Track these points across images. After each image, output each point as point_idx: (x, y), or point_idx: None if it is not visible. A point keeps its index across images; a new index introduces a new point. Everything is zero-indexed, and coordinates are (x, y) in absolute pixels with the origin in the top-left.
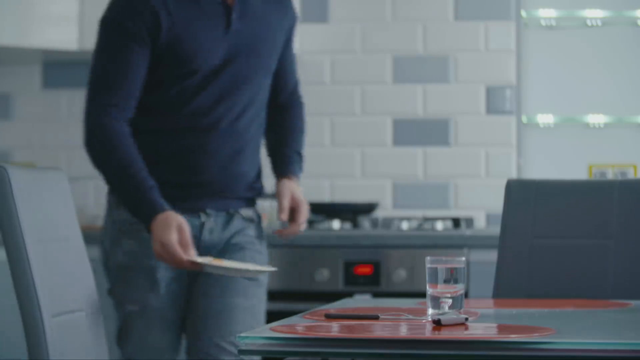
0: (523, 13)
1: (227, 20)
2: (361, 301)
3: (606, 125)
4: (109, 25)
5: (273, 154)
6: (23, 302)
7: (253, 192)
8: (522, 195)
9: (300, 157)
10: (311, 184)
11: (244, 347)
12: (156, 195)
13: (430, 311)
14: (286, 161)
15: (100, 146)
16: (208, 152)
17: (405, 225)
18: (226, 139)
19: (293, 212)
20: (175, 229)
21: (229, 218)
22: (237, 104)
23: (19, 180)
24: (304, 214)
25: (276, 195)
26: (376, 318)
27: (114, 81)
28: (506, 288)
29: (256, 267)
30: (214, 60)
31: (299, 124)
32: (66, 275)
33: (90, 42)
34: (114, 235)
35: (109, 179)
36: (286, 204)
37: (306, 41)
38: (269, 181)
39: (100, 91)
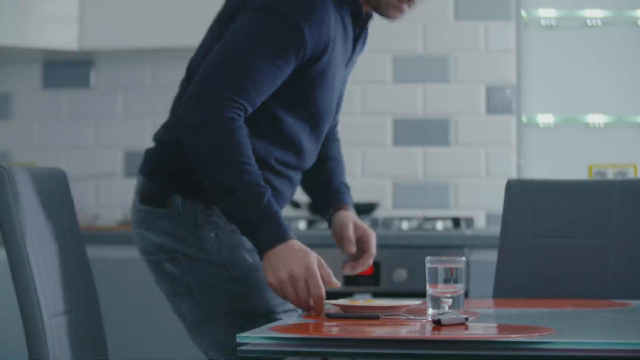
0: (523, 13)
1: (351, 52)
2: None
3: (606, 125)
4: (285, 20)
5: (318, 187)
6: (23, 302)
7: None
8: (522, 195)
9: (349, 189)
10: None
11: (244, 348)
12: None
13: (430, 311)
14: (338, 191)
15: (224, 144)
16: (292, 186)
17: (405, 225)
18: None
19: (361, 243)
20: (315, 257)
21: None
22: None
23: (19, 180)
24: (374, 242)
25: (335, 229)
26: (376, 318)
27: (258, 80)
28: (506, 288)
29: (397, 302)
30: (334, 101)
31: (341, 158)
32: (66, 275)
33: (90, 42)
34: (232, 242)
35: (223, 183)
36: (351, 234)
37: None
38: None
39: (239, 81)
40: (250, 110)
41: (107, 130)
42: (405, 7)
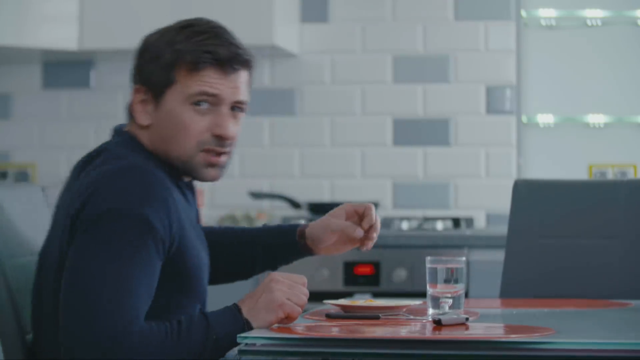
0: (523, 13)
1: (196, 216)
2: None
3: (606, 125)
4: (126, 218)
5: (251, 245)
6: (0, 320)
7: None
8: (529, 195)
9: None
10: (311, 184)
11: (244, 348)
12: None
13: (430, 311)
14: (273, 227)
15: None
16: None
17: (405, 225)
18: None
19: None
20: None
21: None
22: None
23: None
24: (374, 213)
25: (321, 234)
26: (376, 318)
27: (142, 290)
28: (513, 287)
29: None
30: (205, 272)
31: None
32: None
33: (90, 42)
34: None
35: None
36: (342, 221)
37: (306, 41)
38: None
39: (126, 302)
40: (144, 312)
41: (106, 131)
42: (223, 160)
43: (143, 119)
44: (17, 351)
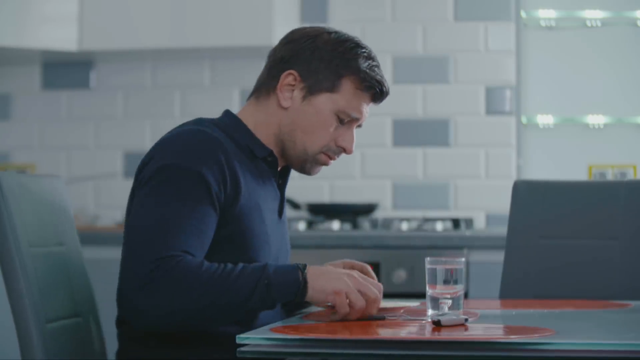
0: (523, 13)
1: (280, 206)
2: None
3: (606, 125)
4: (179, 169)
5: None
6: (15, 309)
7: None
8: (529, 195)
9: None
10: (311, 184)
11: (243, 349)
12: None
13: (430, 312)
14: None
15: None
16: None
17: (405, 226)
18: None
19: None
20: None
21: None
22: None
23: (8, 186)
24: (373, 274)
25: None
26: (382, 319)
27: (193, 230)
28: (513, 288)
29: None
30: (271, 255)
31: None
32: (63, 282)
33: (90, 43)
34: None
35: (210, 306)
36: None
37: None
38: None
39: (173, 235)
40: (197, 254)
41: (107, 131)
42: (330, 160)
43: (285, 101)
44: (34, 339)
